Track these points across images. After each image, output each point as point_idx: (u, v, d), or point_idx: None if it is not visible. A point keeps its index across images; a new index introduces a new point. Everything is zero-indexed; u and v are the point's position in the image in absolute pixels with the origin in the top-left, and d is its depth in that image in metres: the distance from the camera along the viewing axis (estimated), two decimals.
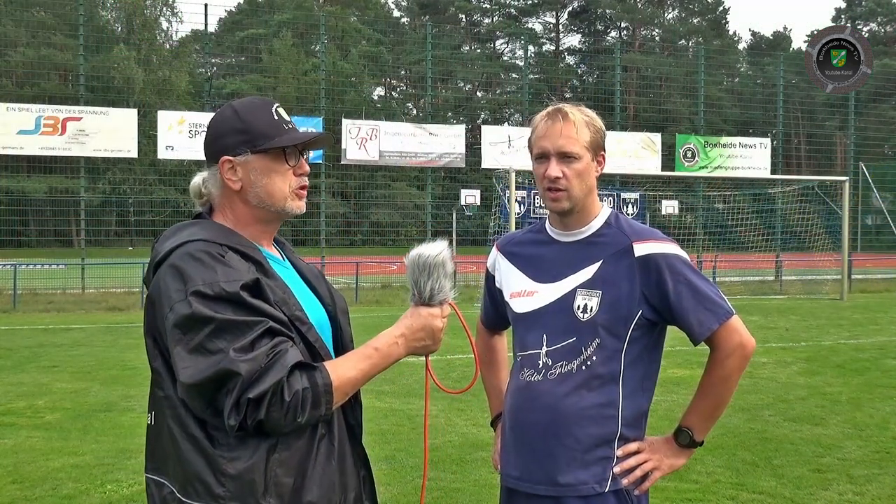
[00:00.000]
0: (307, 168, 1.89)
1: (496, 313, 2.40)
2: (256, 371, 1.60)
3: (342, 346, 1.92)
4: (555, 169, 2.09)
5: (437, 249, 1.83)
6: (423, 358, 1.93)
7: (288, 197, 1.84)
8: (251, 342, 1.62)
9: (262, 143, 1.81)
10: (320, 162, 21.94)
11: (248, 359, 1.60)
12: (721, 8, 66.25)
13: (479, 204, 23.18)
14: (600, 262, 2.11)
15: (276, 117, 1.84)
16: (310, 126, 20.34)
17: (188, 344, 1.62)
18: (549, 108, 2.15)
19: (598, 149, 2.14)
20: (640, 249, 2.09)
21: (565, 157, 2.09)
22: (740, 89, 45.62)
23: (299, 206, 1.87)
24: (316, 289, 1.94)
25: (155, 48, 42.57)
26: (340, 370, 1.72)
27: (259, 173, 1.81)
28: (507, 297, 2.27)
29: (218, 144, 1.82)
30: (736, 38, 67.49)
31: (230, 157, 1.80)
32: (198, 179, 1.88)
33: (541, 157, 2.14)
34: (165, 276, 1.69)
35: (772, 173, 25.50)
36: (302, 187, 1.87)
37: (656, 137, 24.65)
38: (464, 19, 63.82)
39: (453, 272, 1.88)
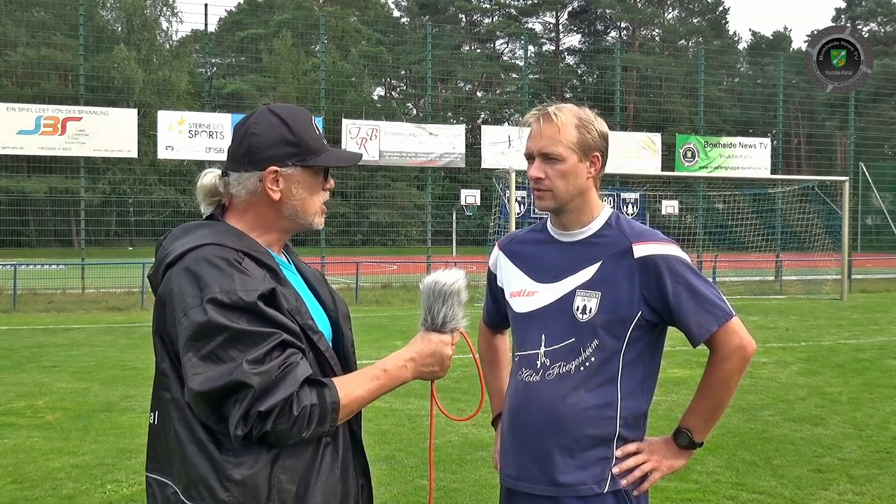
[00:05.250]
0: (333, 184, 1.90)
1: (498, 312, 2.41)
2: (268, 384, 1.59)
3: (343, 351, 1.90)
4: (535, 170, 2.12)
5: (453, 277, 1.84)
6: (429, 383, 1.94)
7: (318, 213, 1.86)
8: (264, 354, 1.61)
9: (311, 160, 1.81)
10: None
11: (260, 371, 1.59)
12: (721, 8, 66.29)
13: (479, 204, 23.18)
14: (600, 262, 2.11)
15: (317, 132, 1.84)
16: None
17: (200, 351, 1.61)
18: (537, 109, 2.15)
19: (588, 150, 2.12)
20: (640, 250, 2.08)
21: (547, 157, 2.11)
22: (740, 89, 45.59)
23: (321, 222, 1.88)
24: (319, 293, 1.93)
25: (155, 48, 42.55)
26: (348, 388, 1.72)
27: (301, 187, 1.82)
28: (507, 296, 2.27)
29: (267, 153, 1.78)
30: (736, 38, 67.54)
31: (278, 168, 1.79)
32: (211, 178, 1.85)
33: (527, 157, 2.17)
34: (180, 279, 1.67)
35: (772, 173, 25.49)
36: (323, 203, 1.89)
37: (656, 137, 24.63)
38: (464, 19, 63.82)
39: (467, 301, 1.88)
